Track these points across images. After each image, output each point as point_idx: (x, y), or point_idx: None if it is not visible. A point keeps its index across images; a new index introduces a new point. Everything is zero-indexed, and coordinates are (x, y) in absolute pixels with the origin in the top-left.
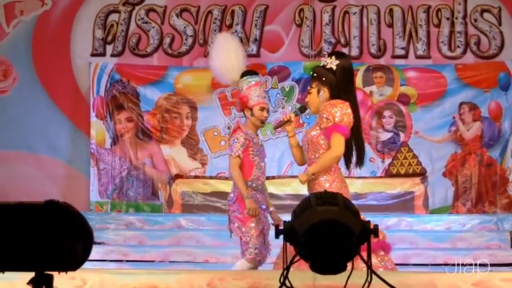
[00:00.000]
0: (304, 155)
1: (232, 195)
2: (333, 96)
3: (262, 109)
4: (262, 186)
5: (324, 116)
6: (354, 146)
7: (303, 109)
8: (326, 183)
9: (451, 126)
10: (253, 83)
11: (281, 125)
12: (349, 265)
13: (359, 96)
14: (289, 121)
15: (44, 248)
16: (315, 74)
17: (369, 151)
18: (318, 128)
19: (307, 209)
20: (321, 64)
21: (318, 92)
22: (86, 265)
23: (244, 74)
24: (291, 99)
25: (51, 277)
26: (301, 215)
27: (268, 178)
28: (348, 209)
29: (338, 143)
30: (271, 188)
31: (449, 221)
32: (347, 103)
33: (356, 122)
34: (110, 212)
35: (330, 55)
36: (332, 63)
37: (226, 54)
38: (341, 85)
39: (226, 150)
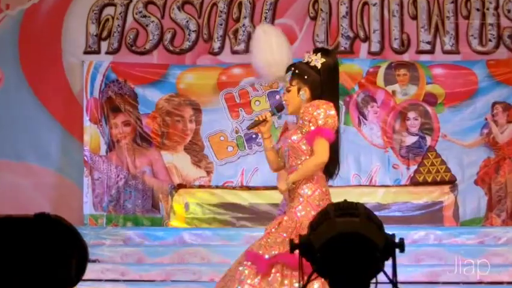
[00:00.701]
0: (279, 160)
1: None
2: (314, 97)
3: None
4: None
5: (306, 118)
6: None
7: (280, 108)
8: (307, 193)
9: (483, 128)
10: None
11: (255, 125)
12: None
13: (381, 96)
14: (264, 121)
15: (34, 266)
16: (296, 71)
17: (392, 157)
18: (299, 132)
19: (325, 221)
20: (304, 60)
21: (299, 90)
22: (80, 285)
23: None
24: None
25: None
26: (318, 227)
27: (267, 188)
28: (371, 220)
29: (322, 149)
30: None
31: (482, 234)
32: (331, 104)
33: (337, 129)
34: (105, 226)
35: (315, 51)
36: (317, 60)
37: (268, 48)
38: (325, 86)
39: (234, 157)
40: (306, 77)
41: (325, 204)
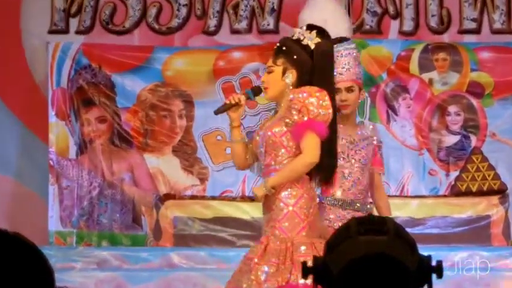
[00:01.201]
0: (248, 156)
1: None
2: (302, 83)
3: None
4: None
5: (296, 107)
6: (325, 154)
7: (257, 91)
8: (290, 200)
9: None
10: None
11: (226, 109)
12: None
13: (415, 85)
14: (237, 105)
15: None
16: (283, 48)
17: (428, 161)
18: (282, 123)
19: (345, 240)
20: (294, 37)
21: (284, 72)
22: None
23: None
24: None
25: None
26: (337, 247)
27: None
28: (402, 239)
29: (314, 146)
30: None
31: None
32: (325, 92)
33: (333, 124)
34: (76, 246)
35: (309, 28)
36: (311, 39)
37: (320, 19)
38: (317, 72)
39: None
40: (295, 57)
41: (315, 213)
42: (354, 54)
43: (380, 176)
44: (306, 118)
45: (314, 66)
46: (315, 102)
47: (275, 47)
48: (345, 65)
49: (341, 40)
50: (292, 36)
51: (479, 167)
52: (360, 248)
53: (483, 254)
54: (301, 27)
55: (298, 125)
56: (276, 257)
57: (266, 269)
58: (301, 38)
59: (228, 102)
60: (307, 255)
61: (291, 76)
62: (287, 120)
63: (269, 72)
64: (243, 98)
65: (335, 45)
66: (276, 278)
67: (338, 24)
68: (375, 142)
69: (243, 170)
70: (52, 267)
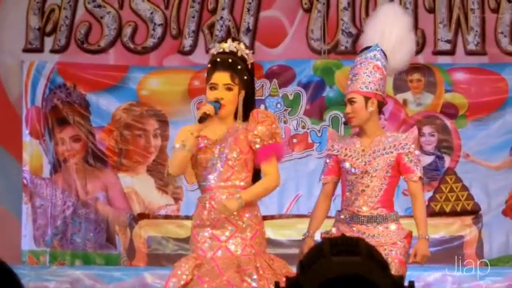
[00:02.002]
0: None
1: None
2: (248, 103)
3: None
4: None
5: (265, 131)
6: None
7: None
8: (255, 218)
9: None
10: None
11: (207, 118)
12: None
13: (389, 106)
14: (209, 116)
15: None
16: (239, 67)
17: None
18: (246, 143)
19: (318, 260)
20: (226, 50)
21: (239, 91)
22: None
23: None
24: (296, 111)
25: None
26: (310, 267)
27: (265, 218)
28: (375, 259)
29: (277, 171)
30: (269, 231)
31: None
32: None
33: None
34: (49, 265)
35: (234, 40)
36: (247, 54)
37: (386, 31)
38: (253, 91)
39: None
40: (245, 77)
41: (263, 233)
42: (370, 63)
43: (411, 183)
44: (274, 141)
45: (252, 85)
46: (278, 128)
47: (230, 63)
48: (353, 76)
49: (363, 50)
50: (236, 52)
51: (452, 188)
52: (333, 269)
53: (456, 275)
54: (225, 39)
55: (267, 147)
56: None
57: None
58: (236, 50)
59: (207, 112)
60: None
61: (241, 97)
62: (255, 140)
63: (229, 89)
64: (212, 109)
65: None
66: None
67: (392, 33)
68: (399, 150)
69: (176, 176)
70: (25, 287)
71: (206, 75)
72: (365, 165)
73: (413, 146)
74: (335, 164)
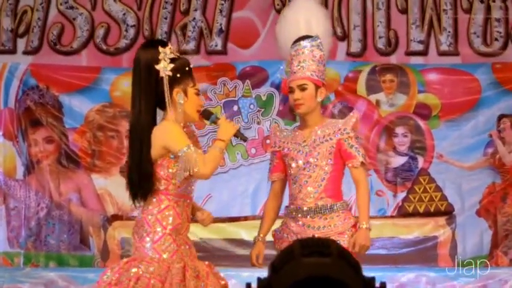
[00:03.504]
0: None
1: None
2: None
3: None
4: None
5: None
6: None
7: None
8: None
9: (487, 147)
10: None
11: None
12: None
13: (362, 106)
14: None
15: None
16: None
17: (376, 182)
18: None
19: (289, 262)
20: (168, 51)
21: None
22: None
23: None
24: (269, 112)
25: None
26: (281, 269)
27: (239, 219)
28: (346, 260)
29: None
30: (242, 232)
31: (486, 276)
32: None
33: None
34: (23, 267)
35: (164, 44)
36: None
37: (304, 18)
38: None
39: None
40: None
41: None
42: (313, 51)
43: (353, 170)
44: None
45: None
46: None
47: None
48: (300, 62)
49: (301, 39)
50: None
51: (426, 188)
52: (304, 270)
53: (430, 275)
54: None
55: None
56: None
57: None
58: (167, 53)
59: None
60: None
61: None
62: None
63: (198, 93)
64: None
65: (293, 44)
66: None
67: (319, 24)
68: (338, 136)
69: (206, 179)
70: None
71: (184, 78)
72: (306, 156)
73: (352, 131)
74: (279, 161)
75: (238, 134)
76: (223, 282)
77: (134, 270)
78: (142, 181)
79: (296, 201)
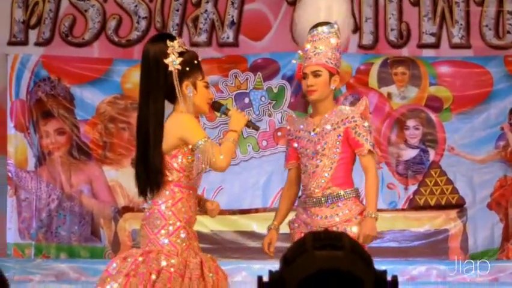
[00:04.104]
0: None
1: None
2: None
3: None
4: None
5: None
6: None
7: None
8: None
9: (499, 140)
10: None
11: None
12: None
13: (373, 99)
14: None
15: None
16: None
17: (387, 175)
18: None
19: (301, 255)
20: (176, 44)
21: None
22: None
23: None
24: (280, 104)
25: None
26: (293, 262)
27: (250, 211)
28: (358, 254)
29: None
30: (253, 224)
31: (497, 269)
32: None
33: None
34: (34, 258)
35: (172, 38)
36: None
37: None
38: None
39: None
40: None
41: None
42: (330, 38)
43: (361, 158)
44: None
45: None
46: None
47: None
48: (316, 48)
49: (319, 25)
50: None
51: (437, 181)
52: (316, 263)
53: (441, 268)
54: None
55: None
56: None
57: None
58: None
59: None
60: None
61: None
62: None
63: (207, 86)
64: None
65: (311, 30)
66: None
67: (340, 12)
68: (346, 124)
69: (223, 171)
70: (8, 280)
71: (193, 71)
72: (314, 145)
73: (359, 118)
74: (294, 149)
75: (249, 124)
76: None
77: (155, 262)
78: (150, 176)
79: (306, 191)
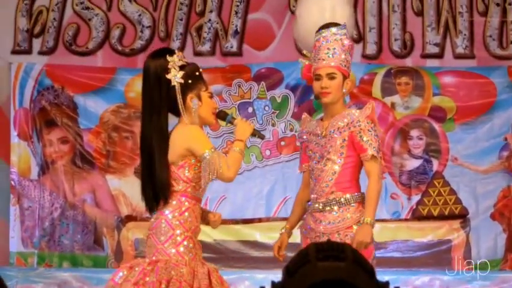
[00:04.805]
0: None
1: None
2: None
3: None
4: None
5: None
6: None
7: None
8: None
9: (502, 150)
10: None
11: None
12: None
13: (377, 109)
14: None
15: None
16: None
17: (390, 185)
18: None
19: (304, 265)
20: (176, 58)
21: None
22: None
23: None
24: (284, 113)
25: None
26: (296, 273)
27: (253, 221)
28: (360, 265)
29: None
30: (257, 234)
31: (500, 279)
32: None
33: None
34: (37, 267)
35: (172, 52)
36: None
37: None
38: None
39: None
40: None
41: None
42: (342, 40)
43: (365, 163)
44: None
45: None
46: None
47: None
48: (329, 50)
49: (329, 26)
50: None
51: (440, 191)
52: (318, 274)
53: (444, 279)
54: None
55: None
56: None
57: None
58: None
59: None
60: None
61: None
62: None
63: (212, 96)
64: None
65: (320, 31)
66: None
67: (344, 14)
68: (351, 129)
69: (230, 182)
70: None
71: (196, 83)
72: (321, 148)
73: (364, 123)
74: (305, 151)
75: (255, 133)
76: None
77: (164, 271)
78: (156, 190)
79: (313, 195)
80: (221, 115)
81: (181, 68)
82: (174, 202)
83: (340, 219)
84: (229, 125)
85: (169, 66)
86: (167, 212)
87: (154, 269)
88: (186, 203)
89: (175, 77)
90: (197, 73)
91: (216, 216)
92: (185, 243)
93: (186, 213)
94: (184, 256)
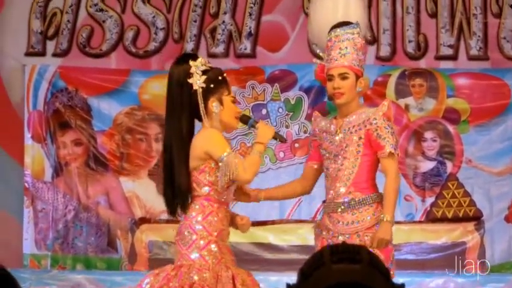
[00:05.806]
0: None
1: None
2: None
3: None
4: None
5: None
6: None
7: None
8: None
9: None
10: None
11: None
12: None
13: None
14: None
15: None
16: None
17: (404, 187)
18: None
19: (319, 268)
20: (199, 63)
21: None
22: None
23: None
24: (298, 115)
25: None
26: (311, 275)
27: (266, 223)
28: (375, 267)
29: None
30: (270, 236)
31: None
32: None
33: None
34: (50, 269)
35: (195, 57)
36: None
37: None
38: None
39: None
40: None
41: None
42: (355, 39)
43: (382, 160)
44: None
45: None
46: None
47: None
48: (341, 50)
49: (341, 25)
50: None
51: (454, 194)
52: (334, 277)
53: (458, 281)
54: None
55: None
56: None
57: None
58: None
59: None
60: None
61: None
62: None
63: (235, 101)
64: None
65: (333, 29)
66: None
67: (357, 12)
68: (367, 127)
69: (247, 184)
70: None
71: (218, 87)
72: (336, 147)
73: (381, 120)
74: (315, 150)
75: (276, 136)
76: None
77: (186, 276)
78: (177, 196)
79: (329, 196)
80: (244, 119)
81: (204, 72)
82: (197, 206)
83: (359, 220)
84: (252, 128)
85: (192, 71)
86: (190, 216)
87: (177, 274)
88: (209, 207)
89: (197, 81)
90: (220, 77)
91: (244, 220)
92: (209, 247)
93: (210, 217)
94: (208, 260)
